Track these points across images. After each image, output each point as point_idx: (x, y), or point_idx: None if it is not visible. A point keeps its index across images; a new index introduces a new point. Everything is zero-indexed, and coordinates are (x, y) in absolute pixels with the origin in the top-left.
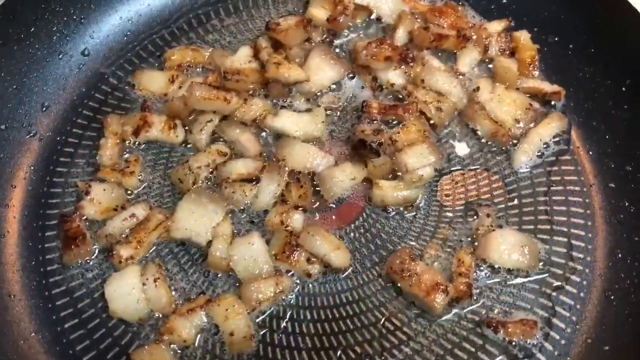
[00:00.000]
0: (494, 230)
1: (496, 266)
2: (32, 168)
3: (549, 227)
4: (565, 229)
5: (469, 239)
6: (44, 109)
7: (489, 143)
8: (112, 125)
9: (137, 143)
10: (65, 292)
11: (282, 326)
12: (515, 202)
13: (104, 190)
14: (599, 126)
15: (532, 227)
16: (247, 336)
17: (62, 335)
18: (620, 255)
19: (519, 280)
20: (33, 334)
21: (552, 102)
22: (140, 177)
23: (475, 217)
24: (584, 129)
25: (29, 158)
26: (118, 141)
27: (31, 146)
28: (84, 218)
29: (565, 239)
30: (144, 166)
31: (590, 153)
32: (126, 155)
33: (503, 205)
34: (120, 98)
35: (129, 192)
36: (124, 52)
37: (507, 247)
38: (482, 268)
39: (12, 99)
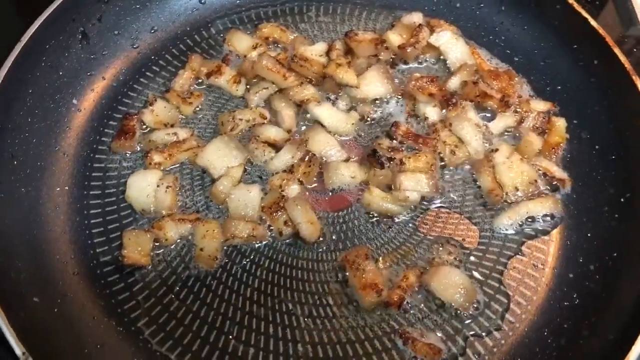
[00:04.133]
0: (446, 265)
1: (434, 295)
2: (123, 71)
3: (497, 285)
4: (510, 293)
5: (424, 264)
6: (152, 31)
7: (482, 197)
8: (194, 62)
9: (205, 83)
10: (102, 169)
11: (242, 262)
12: (479, 253)
13: (164, 107)
14: (587, 224)
15: (482, 279)
16: (212, 257)
17: (85, 198)
18: (545, 333)
19: (447, 314)
20: (67, 187)
21: (557, 187)
22: (196, 109)
23: (439, 250)
24: (573, 221)
25: (123, 63)
26: (192, 76)
27: (130, 54)
28: (140, 121)
29: (506, 301)
30: (203, 103)
31: (568, 243)
32: (193, 89)
33: (467, 252)
34: (211, 45)
35: (182, 116)
36: (231, 11)
37: (449, 282)
38: (421, 291)
39: (131, 14)
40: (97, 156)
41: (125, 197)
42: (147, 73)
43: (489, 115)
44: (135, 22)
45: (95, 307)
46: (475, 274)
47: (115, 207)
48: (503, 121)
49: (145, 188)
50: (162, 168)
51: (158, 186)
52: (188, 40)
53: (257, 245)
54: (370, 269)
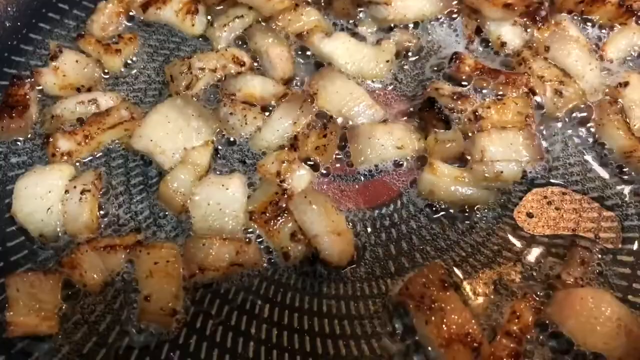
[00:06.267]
0: (583, 286)
1: (572, 342)
2: (10, 13)
3: None
4: None
5: (541, 287)
6: None
7: (616, 164)
8: None
9: (142, 20)
10: None
11: (221, 314)
12: (631, 257)
13: (77, 62)
14: None
15: None
16: (168, 310)
17: None
18: None
19: None
20: None
21: None
22: (128, 61)
23: (561, 259)
24: None
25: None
26: (121, 10)
27: None
28: (37, 88)
29: None
30: (140, 51)
31: None
32: (122, 30)
33: (610, 257)
34: None
35: (106, 74)
36: None
37: (599, 319)
38: (547, 336)
39: None
40: None
41: (12, 214)
42: (50, 13)
43: (599, 33)
44: None
45: None
46: (630, 295)
47: None
48: (625, 38)
49: (43, 197)
50: (74, 160)
51: (67, 191)
52: None
53: (246, 280)
54: (454, 305)
